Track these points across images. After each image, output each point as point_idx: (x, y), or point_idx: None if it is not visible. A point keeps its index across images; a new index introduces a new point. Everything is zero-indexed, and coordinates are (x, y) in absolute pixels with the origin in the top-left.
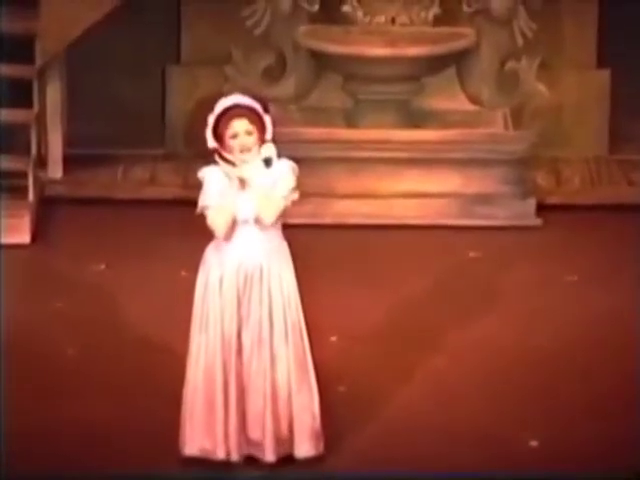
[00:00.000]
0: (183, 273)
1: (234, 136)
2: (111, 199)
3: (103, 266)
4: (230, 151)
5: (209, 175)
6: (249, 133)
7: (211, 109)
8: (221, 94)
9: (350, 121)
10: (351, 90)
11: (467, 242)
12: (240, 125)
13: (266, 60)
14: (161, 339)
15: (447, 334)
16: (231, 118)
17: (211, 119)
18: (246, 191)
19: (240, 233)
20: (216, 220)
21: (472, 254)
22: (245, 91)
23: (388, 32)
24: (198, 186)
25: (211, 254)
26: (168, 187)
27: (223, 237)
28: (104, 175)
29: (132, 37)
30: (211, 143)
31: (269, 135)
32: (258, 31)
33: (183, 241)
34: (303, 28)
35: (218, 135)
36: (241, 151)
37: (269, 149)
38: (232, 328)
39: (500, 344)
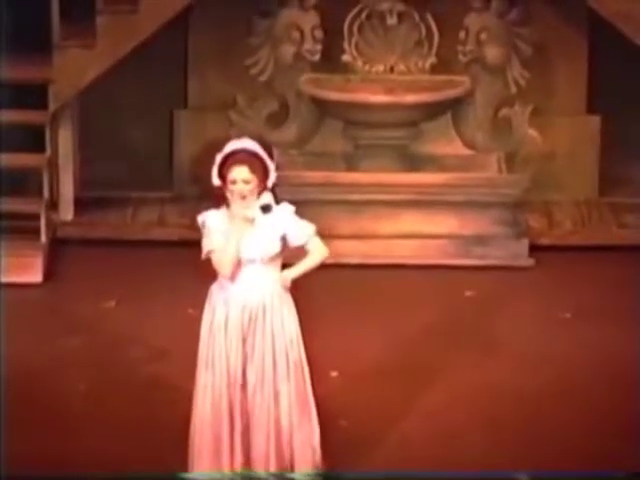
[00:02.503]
0: (190, 311)
1: (233, 182)
2: (120, 240)
3: (113, 304)
4: (230, 193)
5: (210, 220)
6: (247, 182)
7: (217, 152)
8: (227, 138)
9: (350, 165)
10: (351, 135)
11: (463, 281)
12: (239, 173)
13: (270, 106)
14: (168, 375)
15: (444, 371)
16: (233, 163)
17: (218, 158)
18: (251, 231)
19: (244, 272)
20: (222, 261)
21: (468, 293)
22: (253, 136)
23: (387, 80)
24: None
25: (216, 293)
26: (175, 228)
27: (229, 277)
28: (114, 217)
29: (141, 83)
30: (215, 181)
31: (270, 183)
32: (262, 79)
33: (189, 280)
34: (305, 76)
35: (222, 175)
36: (239, 198)
37: (267, 197)
38: (237, 364)
39: (496, 381)
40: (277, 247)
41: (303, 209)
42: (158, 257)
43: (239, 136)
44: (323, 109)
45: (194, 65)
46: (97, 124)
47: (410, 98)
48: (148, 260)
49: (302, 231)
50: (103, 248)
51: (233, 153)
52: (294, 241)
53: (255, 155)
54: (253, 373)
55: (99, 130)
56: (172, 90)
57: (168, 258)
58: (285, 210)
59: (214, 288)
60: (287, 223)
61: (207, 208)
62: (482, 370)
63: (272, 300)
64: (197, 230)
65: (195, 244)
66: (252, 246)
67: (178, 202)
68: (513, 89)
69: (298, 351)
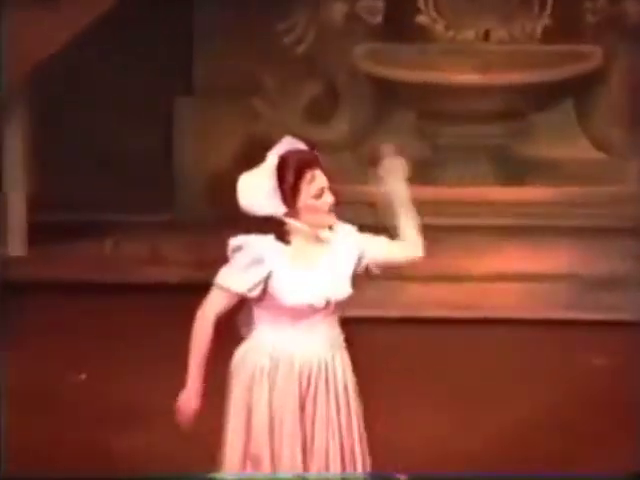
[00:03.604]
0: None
1: (319, 194)
2: (96, 283)
3: (84, 376)
4: (308, 214)
5: (259, 248)
6: (329, 191)
7: (238, 157)
8: (253, 137)
9: (426, 175)
10: (428, 132)
11: (588, 343)
12: (322, 177)
13: (310, 90)
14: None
15: (559, 469)
16: (308, 168)
17: (290, 175)
18: (318, 267)
19: (305, 325)
20: (211, 305)
21: (596, 361)
22: (289, 133)
23: (480, 52)
24: (217, 264)
25: (253, 353)
26: (175, 267)
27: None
28: (86, 250)
29: (128, 62)
30: (279, 208)
31: None
32: (299, 51)
33: None
34: (361, 47)
35: (289, 194)
36: (330, 212)
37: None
38: (295, 458)
39: None
40: (351, 287)
41: None
42: (150, 308)
43: (267, 133)
44: (387, 94)
45: (202, 33)
46: (64, 120)
47: (513, 77)
48: (135, 312)
49: (380, 239)
50: (70, 294)
51: (300, 158)
52: (377, 254)
53: (315, 154)
54: (314, 468)
55: (66, 128)
56: (171, 70)
57: (164, 309)
58: (351, 231)
59: (247, 349)
60: (360, 246)
61: (224, 237)
62: (612, 470)
63: (334, 364)
64: (207, 268)
65: (204, 289)
66: (317, 288)
67: (180, 229)
68: None
69: (362, 434)
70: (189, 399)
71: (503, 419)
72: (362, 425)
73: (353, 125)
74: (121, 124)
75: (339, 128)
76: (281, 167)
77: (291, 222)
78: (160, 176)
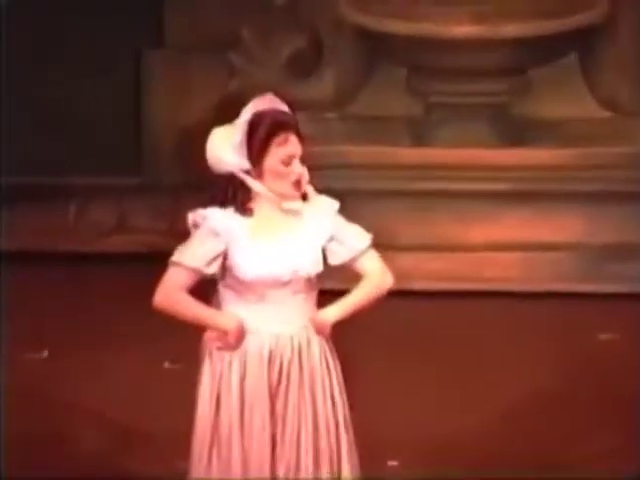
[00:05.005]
0: (166, 365)
1: (288, 161)
2: (57, 253)
3: (45, 353)
4: (272, 179)
5: (218, 221)
6: (300, 159)
7: (213, 117)
8: (229, 95)
9: (418, 136)
10: (419, 89)
11: (596, 318)
12: (296, 145)
13: (292, 44)
14: (136, 472)
15: (564, 455)
16: (283, 130)
17: (245, 125)
18: (283, 238)
19: (271, 301)
20: (170, 286)
21: (603, 336)
22: (267, 90)
23: (476, 1)
24: (189, 233)
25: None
26: (144, 235)
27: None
28: (46, 217)
29: (89, 9)
30: (243, 164)
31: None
32: (280, 1)
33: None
34: None
35: (257, 150)
36: (296, 184)
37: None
38: (264, 453)
39: None
40: (321, 261)
41: (343, 204)
42: (117, 280)
43: (245, 90)
44: (376, 48)
45: None
46: (18, 76)
47: (513, 29)
48: (101, 284)
49: (353, 240)
50: (29, 266)
51: (275, 117)
52: (339, 255)
53: (295, 119)
54: (284, 462)
55: (21, 84)
56: (139, 19)
57: (133, 281)
58: (328, 207)
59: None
60: (334, 226)
61: (197, 202)
62: (623, 456)
63: (311, 343)
64: (180, 237)
65: None
66: (289, 259)
67: (150, 194)
68: None
69: (347, 422)
70: (236, 326)
71: (501, 402)
72: (348, 419)
73: (338, 81)
74: (83, 78)
75: (323, 85)
76: (254, 122)
77: (252, 183)
78: (127, 136)
